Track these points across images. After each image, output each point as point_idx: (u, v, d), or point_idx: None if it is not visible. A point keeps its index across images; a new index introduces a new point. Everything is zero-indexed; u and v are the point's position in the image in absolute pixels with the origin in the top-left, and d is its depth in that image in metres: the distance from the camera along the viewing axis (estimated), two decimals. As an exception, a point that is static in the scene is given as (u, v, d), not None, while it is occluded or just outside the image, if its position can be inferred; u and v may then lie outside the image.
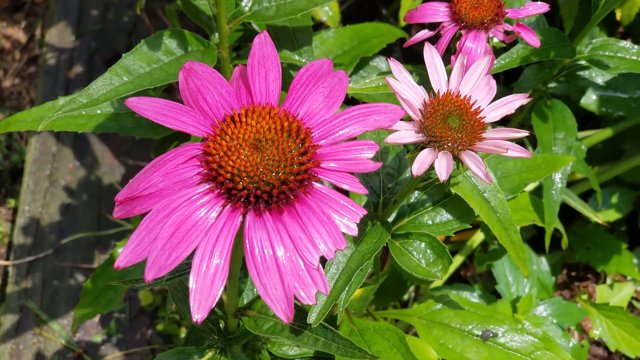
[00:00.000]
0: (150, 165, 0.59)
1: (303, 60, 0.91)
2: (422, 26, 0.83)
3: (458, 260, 1.26)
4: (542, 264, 1.30)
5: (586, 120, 1.55)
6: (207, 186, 0.58)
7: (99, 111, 0.92)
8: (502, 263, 1.22)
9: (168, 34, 0.82)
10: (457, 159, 0.67)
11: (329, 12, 1.26)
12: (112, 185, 1.59)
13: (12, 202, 1.69)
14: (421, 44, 0.82)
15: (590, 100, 1.30)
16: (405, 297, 1.33)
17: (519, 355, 0.96)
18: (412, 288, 1.33)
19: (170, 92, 1.68)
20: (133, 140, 1.64)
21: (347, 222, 0.58)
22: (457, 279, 1.42)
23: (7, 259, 1.58)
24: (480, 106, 0.69)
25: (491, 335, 0.97)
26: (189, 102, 0.63)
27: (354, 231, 0.58)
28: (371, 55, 1.05)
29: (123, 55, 0.79)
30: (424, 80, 0.87)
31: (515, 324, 0.98)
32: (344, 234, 0.58)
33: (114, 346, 1.43)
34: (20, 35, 2.03)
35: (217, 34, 0.88)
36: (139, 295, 1.47)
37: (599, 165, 1.41)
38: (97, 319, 1.44)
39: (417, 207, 0.85)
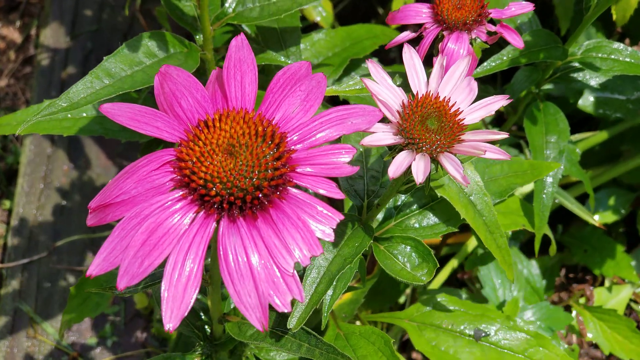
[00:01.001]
0: (123, 172, 0.58)
1: (289, 62, 0.90)
2: (419, 27, 0.81)
3: (454, 263, 1.25)
4: (533, 267, 1.29)
5: (584, 121, 1.53)
6: (180, 192, 0.57)
7: (84, 114, 0.91)
8: (488, 267, 1.21)
9: (148, 35, 0.81)
10: (435, 162, 0.67)
11: (322, 12, 1.25)
12: (106, 187, 1.59)
13: (7, 204, 1.69)
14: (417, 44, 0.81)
15: (587, 102, 1.29)
16: (402, 299, 1.32)
17: (512, 353, 0.95)
18: (408, 291, 1.32)
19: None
20: (127, 142, 1.64)
21: (323, 228, 0.58)
22: (455, 282, 1.41)
23: (2, 260, 1.58)
24: (459, 108, 0.68)
25: (483, 334, 0.96)
26: (163, 107, 0.62)
27: (330, 236, 0.57)
28: (363, 57, 1.04)
29: (104, 58, 0.78)
30: (406, 83, 0.86)
31: (507, 322, 0.97)
32: (320, 239, 0.57)
33: (109, 349, 1.42)
34: (15, 35, 2.03)
35: (201, 36, 0.88)
36: (134, 299, 1.46)
37: (597, 167, 1.40)
38: (91, 322, 1.43)
39: (404, 210, 0.84)
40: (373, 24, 1.09)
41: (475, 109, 0.68)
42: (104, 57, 0.78)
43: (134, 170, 0.58)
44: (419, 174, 0.63)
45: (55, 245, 1.52)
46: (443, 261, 1.30)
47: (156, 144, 0.98)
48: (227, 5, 0.84)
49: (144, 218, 0.56)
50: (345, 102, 1.13)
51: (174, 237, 0.56)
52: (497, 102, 0.68)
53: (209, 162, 0.57)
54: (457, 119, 0.67)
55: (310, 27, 1.40)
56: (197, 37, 0.89)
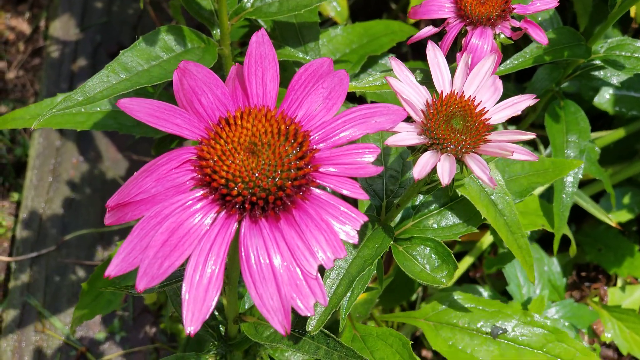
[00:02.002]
0: (142, 170, 0.57)
1: (308, 58, 0.88)
2: (434, 22, 0.80)
3: (468, 261, 1.24)
4: (554, 264, 1.28)
5: (598, 117, 1.52)
6: (201, 192, 0.56)
7: (98, 109, 0.90)
8: (514, 264, 1.20)
9: (166, 29, 0.80)
10: (460, 162, 0.65)
11: (337, 7, 1.23)
12: (116, 180, 1.58)
13: (15, 196, 1.68)
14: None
15: (603, 99, 1.27)
16: (413, 296, 1.31)
17: (530, 349, 0.94)
18: (419, 288, 1.31)
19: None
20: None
21: (347, 229, 0.56)
22: (467, 280, 1.40)
23: (10, 254, 1.57)
24: (485, 107, 0.66)
25: (500, 331, 0.94)
26: (183, 104, 0.61)
27: (354, 239, 0.56)
28: (380, 54, 1.02)
29: (121, 52, 0.77)
30: (428, 79, 0.84)
31: (524, 317, 0.95)
32: (343, 241, 0.56)
33: (117, 344, 1.42)
34: (24, 26, 2.01)
35: (218, 30, 0.86)
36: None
37: (611, 164, 1.38)
38: (100, 316, 1.42)
39: (422, 209, 0.83)
40: (390, 20, 1.07)
41: (501, 108, 0.67)
42: (121, 51, 0.76)
43: (154, 168, 0.57)
44: (445, 175, 0.62)
45: (64, 239, 1.51)
46: (456, 258, 1.29)
47: (170, 139, 0.97)
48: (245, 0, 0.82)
49: (164, 218, 0.55)
50: (362, 98, 1.11)
51: (194, 238, 0.54)
52: (523, 102, 0.67)
53: (231, 160, 0.55)
54: (482, 118, 0.65)
55: (323, 22, 1.38)
56: (214, 31, 0.87)
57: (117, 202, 0.57)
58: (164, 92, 0.91)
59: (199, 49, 0.80)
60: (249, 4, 0.82)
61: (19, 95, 1.91)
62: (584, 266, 1.52)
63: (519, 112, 0.67)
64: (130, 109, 0.58)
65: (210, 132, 0.58)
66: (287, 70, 0.95)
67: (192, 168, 0.57)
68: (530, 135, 0.64)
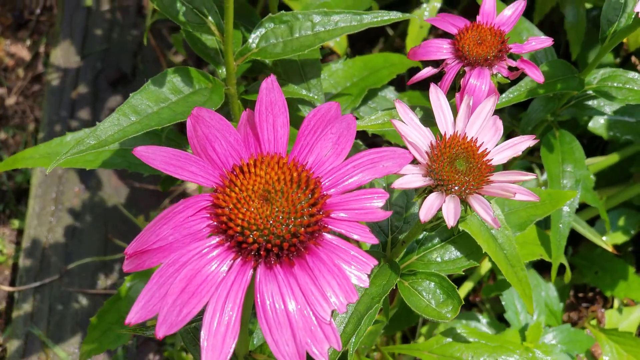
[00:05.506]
0: (159, 218, 0.59)
1: (311, 95, 0.90)
2: (433, 62, 0.82)
3: (468, 286, 1.26)
4: (550, 289, 1.30)
5: (592, 139, 1.55)
6: (217, 239, 0.58)
7: (106, 147, 0.92)
8: (511, 291, 1.22)
9: (173, 71, 0.82)
10: (464, 203, 0.67)
11: (336, 38, 1.26)
12: (118, 208, 1.59)
13: (16, 223, 1.69)
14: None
15: (598, 124, 1.30)
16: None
17: (530, 385, 0.96)
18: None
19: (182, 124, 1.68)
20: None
21: (358, 273, 0.58)
22: (467, 303, 1.42)
23: (12, 282, 1.58)
24: (487, 148, 0.68)
25: None
26: (197, 151, 0.63)
27: (365, 283, 0.58)
28: (380, 87, 1.04)
29: (130, 94, 0.79)
30: (428, 116, 0.87)
31: (526, 353, 0.97)
32: (354, 284, 0.58)
33: (121, 372, 1.42)
34: (24, 53, 2.03)
35: (224, 69, 0.88)
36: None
37: (606, 188, 1.41)
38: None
39: (425, 243, 0.85)
40: (389, 53, 1.10)
41: (503, 149, 0.69)
42: (131, 94, 0.78)
43: (171, 216, 0.59)
44: (450, 218, 0.64)
45: (67, 268, 1.52)
46: (456, 283, 1.31)
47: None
48: (250, 41, 0.84)
49: (182, 265, 0.56)
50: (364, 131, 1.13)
51: (212, 285, 0.56)
52: (524, 142, 0.69)
53: (246, 208, 0.57)
54: (485, 159, 0.67)
55: (324, 55, 1.40)
56: (220, 70, 0.89)
57: (135, 250, 0.58)
58: (171, 130, 0.93)
59: (206, 89, 0.82)
60: (254, 45, 0.85)
61: (18, 121, 1.92)
62: (582, 287, 1.54)
63: (520, 153, 0.69)
64: (146, 157, 0.60)
65: (224, 180, 0.60)
66: (291, 107, 0.97)
67: (208, 215, 0.59)
68: (531, 176, 0.66)
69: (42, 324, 1.46)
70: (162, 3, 0.78)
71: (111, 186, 1.63)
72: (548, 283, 1.30)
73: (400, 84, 1.51)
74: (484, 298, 1.41)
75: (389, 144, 1.15)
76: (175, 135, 0.91)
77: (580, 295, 1.54)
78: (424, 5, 1.24)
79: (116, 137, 0.76)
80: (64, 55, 1.82)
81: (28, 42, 2.01)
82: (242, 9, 0.98)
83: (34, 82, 1.98)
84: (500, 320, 1.26)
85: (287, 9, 1.27)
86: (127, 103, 0.78)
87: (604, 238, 1.40)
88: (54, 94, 1.76)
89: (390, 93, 1.08)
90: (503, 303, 1.22)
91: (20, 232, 1.67)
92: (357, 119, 1.08)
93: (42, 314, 1.47)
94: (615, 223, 1.46)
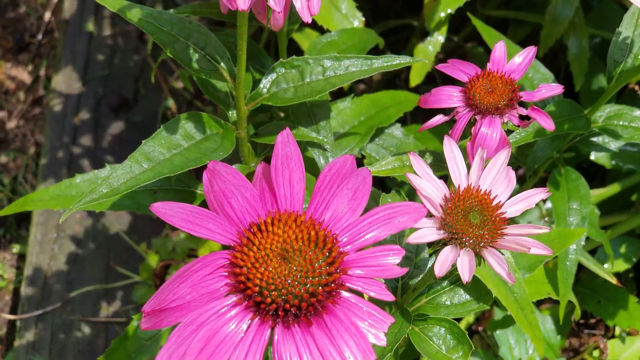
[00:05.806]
0: (176, 276, 0.59)
1: (320, 137, 0.91)
2: (443, 110, 0.83)
3: (470, 318, 1.26)
4: (548, 322, 1.30)
5: (592, 164, 1.55)
6: (235, 298, 0.58)
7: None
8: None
9: (185, 117, 0.82)
10: (478, 256, 0.68)
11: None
12: (120, 235, 1.59)
13: (16, 248, 1.69)
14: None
15: (600, 154, 1.30)
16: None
17: None
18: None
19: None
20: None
21: (375, 332, 0.59)
22: (469, 332, 1.42)
23: (13, 307, 1.58)
24: (500, 200, 0.69)
25: None
26: (213, 206, 0.63)
27: (382, 341, 0.58)
28: (388, 125, 1.05)
29: (143, 141, 0.79)
30: (438, 160, 0.87)
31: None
32: (371, 343, 0.58)
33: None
34: (24, 76, 2.04)
35: (234, 112, 0.89)
36: None
37: (607, 215, 1.41)
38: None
39: (434, 286, 0.85)
40: (396, 90, 1.11)
41: (516, 202, 0.70)
42: (143, 141, 0.79)
43: (188, 274, 0.59)
44: (465, 272, 0.65)
45: (70, 296, 1.52)
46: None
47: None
48: (261, 85, 0.85)
49: (200, 325, 0.57)
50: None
51: (230, 345, 0.56)
52: (537, 195, 0.70)
53: (264, 268, 0.58)
54: (498, 212, 0.68)
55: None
56: (229, 112, 0.90)
57: (153, 308, 0.59)
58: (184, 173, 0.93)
59: (218, 135, 0.83)
60: (265, 90, 0.85)
61: (19, 145, 1.92)
62: (583, 313, 1.55)
63: (533, 205, 0.69)
64: (163, 214, 0.61)
65: (242, 238, 0.60)
66: (299, 146, 0.97)
67: (226, 274, 0.59)
68: (545, 229, 0.67)
69: (44, 352, 1.45)
70: (175, 50, 0.78)
71: (114, 212, 1.63)
72: (545, 316, 1.31)
73: (403, 118, 1.51)
74: (482, 331, 1.41)
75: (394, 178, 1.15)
76: (184, 175, 0.91)
77: (582, 321, 1.54)
78: (429, 38, 1.25)
79: (129, 184, 0.76)
80: (65, 81, 1.83)
81: (30, 67, 2.01)
82: (249, 48, 0.99)
83: (34, 105, 1.98)
84: (495, 356, 1.26)
85: (295, 43, 1.27)
86: (140, 150, 0.78)
87: (605, 266, 1.41)
88: (56, 120, 1.76)
89: (397, 130, 1.09)
90: (496, 339, 1.23)
91: (20, 256, 1.66)
92: (363, 157, 1.09)
93: (44, 343, 1.46)
94: (617, 250, 1.46)
